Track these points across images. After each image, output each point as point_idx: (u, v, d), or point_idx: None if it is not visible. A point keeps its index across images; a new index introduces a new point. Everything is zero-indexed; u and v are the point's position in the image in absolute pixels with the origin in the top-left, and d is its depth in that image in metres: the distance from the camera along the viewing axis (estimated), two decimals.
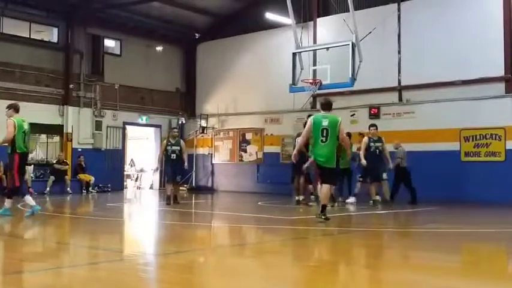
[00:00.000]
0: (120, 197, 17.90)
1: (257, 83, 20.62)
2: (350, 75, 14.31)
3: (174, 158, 13.51)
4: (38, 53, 19.01)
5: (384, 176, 13.35)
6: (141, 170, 23.02)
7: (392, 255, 6.82)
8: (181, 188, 17.43)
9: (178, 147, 13.62)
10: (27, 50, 18.73)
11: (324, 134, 9.15)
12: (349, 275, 5.51)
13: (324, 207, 9.13)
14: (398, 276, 5.40)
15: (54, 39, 19.68)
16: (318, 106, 11.31)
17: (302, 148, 10.00)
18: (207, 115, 22.23)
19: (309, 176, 12.60)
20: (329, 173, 9.26)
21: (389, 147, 13.93)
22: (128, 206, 15.35)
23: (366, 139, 13.31)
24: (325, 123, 9.20)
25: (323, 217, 9.04)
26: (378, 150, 13.22)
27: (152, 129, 22.37)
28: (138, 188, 22.57)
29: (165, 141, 14.07)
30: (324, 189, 9.20)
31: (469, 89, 15.95)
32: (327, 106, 9.56)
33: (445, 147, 16.02)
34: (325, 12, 19.13)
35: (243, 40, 21.29)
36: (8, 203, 10.17)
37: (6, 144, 10.09)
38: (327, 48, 15.48)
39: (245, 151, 20.95)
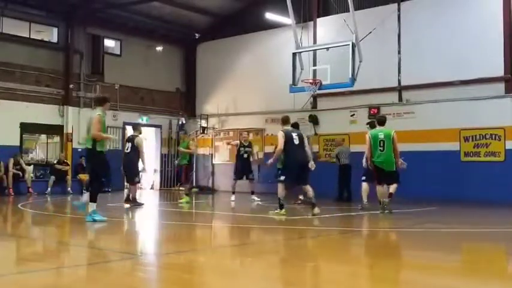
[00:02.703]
0: (120, 197, 17.87)
1: (257, 83, 20.63)
2: (350, 75, 14.31)
3: (246, 157, 15.28)
4: (38, 53, 19.02)
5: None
6: (142, 170, 22.97)
7: (392, 255, 6.82)
8: (181, 188, 17.44)
9: (250, 149, 15.35)
10: (27, 50, 18.73)
11: (381, 145, 11.23)
12: (348, 274, 5.52)
13: (383, 202, 11.20)
14: (398, 275, 5.41)
15: (54, 39, 19.69)
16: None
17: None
18: (207, 115, 22.24)
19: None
20: (390, 175, 11.29)
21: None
22: (128, 205, 15.33)
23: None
24: (381, 136, 11.27)
25: (386, 211, 11.08)
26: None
27: (152, 129, 22.37)
28: (139, 188, 22.54)
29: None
30: (391, 189, 11.24)
31: (468, 89, 15.96)
32: (382, 122, 11.64)
33: (445, 147, 16.03)
34: (325, 12, 19.15)
35: (243, 40, 21.30)
36: (91, 206, 9.40)
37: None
38: (327, 49, 15.48)
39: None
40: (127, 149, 13.11)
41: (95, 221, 9.15)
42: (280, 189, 10.65)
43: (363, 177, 12.52)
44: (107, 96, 10.24)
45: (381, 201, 11.24)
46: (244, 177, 15.37)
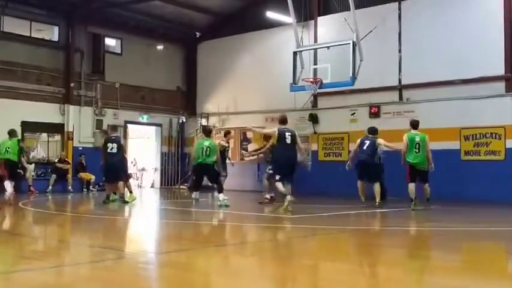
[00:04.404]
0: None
1: (258, 82, 20.64)
2: (351, 74, 14.32)
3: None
4: (39, 52, 19.04)
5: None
6: (143, 169, 23.05)
7: (393, 254, 6.83)
8: (181, 186, 17.45)
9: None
10: (27, 48, 18.76)
11: (417, 147, 12.03)
12: (349, 273, 5.54)
13: (412, 200, 11.96)
14: (398, 274, 5.42)
15: (55, 38, 19.70)
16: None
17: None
18: (208, 114, 22.25)
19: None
20: (422, 174, 12.14)
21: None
22: (129, 204, 15.37)
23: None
24: (417, 139, 12.08)
25: (415, 207, 11.79)
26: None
27: (153, 128, 22.40)
28: (139, 186, 22.60)
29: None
30: (426, 188, 12.15)
31: (469, 88, 15.97)
32: (417, 125, 12.36)
33: (445, 146, 15.99)
34: (326, 11, 19.15)
35: (243, 39, 21.30)
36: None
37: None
38: (328, 47, 15.48)
39: (246, 150, 20.94)
40: (112, 150, 13.22)
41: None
42: (280, 187, 11.22)
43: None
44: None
45: (412, 198, 11.98)
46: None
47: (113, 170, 13.22)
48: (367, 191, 12.90)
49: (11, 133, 13.33)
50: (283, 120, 11.69)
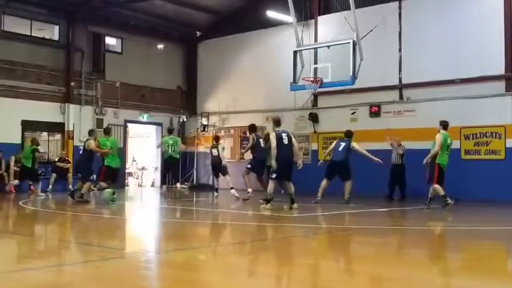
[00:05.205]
0: (121, 194, 17.92)
1: (258, 81, 20.64)
2: (351, 74, 14.29)
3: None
4: (39, 51, 19.04)
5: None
6: (143, 168, 23.05)
7: (393, 253, 6.85)
8: (182, 185, 17.50)
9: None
10: (28, 47, 18.76)
11: (447, 149, 12.23)
12: (349, 272, 5.55)
13: (446, 197, 12.14)
14: (399, 273, 5.43)
15: (55, 37, 19.71)
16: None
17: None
18: (208, 113, 22.25)
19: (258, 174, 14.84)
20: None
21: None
22: (129, 203, 15.40)
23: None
24: (449, 140, 12.29)
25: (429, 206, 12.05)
26: None
27: (153, 127, 22.40)
28: (140, 185, 22.61)
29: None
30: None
31: (469, 87, 15.97)
32: (447, 126, 12.48)
33: None
34: (326, 10, 19.16)
35: (244, 38, 21.31)
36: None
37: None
38: (328, 47, 15.45)
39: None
40: (80, 150, 14.19)
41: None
42: (271, 186, 11.77)
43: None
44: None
45: (445, 195, 12.09)
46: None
47: (76, 168, 14.67)
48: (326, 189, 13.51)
49: (32, 140, 16.92)
50: (278, 122, 12.30)
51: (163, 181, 22.26)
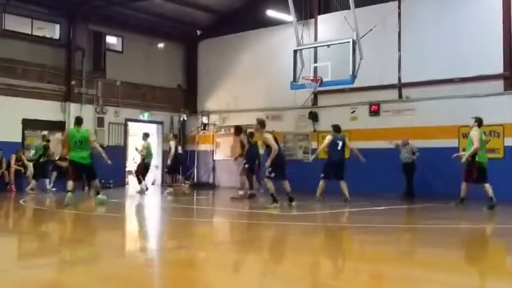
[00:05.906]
0: (122, 193, 18.00)
1: (258, 80, 20.69)
2: (350, 73, 14.35)
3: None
4: (40, 50, 19.09)
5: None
6: None
7: (393, 251, 6.87)
8: (183, 184, 17.59)
9: None
10: (29, 46, 18.80)
11: (485, 145, 12.31)
12: (349, 270, 5.59)
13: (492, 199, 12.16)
14: (399, 272, 5.46)
15: (56, 36, 19.75)
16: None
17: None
18: (209, 112, 22.31)
19: (252, 172, 14.80)
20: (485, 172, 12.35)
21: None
22: (130, 202, 15.46)
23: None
24: (484, 137, 12.23)
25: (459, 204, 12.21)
26: None
27: (154, 125, 22.44)
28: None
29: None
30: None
31: (468, 87, 16.03)
32: (481, 123, 12.41)
33: (444, 144, 16.06)
34: (326, 9, 19.20)
35: (244, 37, 21.35)
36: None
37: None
38: (328, 46, 15.50)
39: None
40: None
41: None
42: (270, 185, 11.75)
43: (322, 175, 13.74)
44: None
45: (492, 197, 12.06)
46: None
47: None
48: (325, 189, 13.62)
49: (43, 137, 17.71)
50: (264, 124, 12.44)
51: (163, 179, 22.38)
